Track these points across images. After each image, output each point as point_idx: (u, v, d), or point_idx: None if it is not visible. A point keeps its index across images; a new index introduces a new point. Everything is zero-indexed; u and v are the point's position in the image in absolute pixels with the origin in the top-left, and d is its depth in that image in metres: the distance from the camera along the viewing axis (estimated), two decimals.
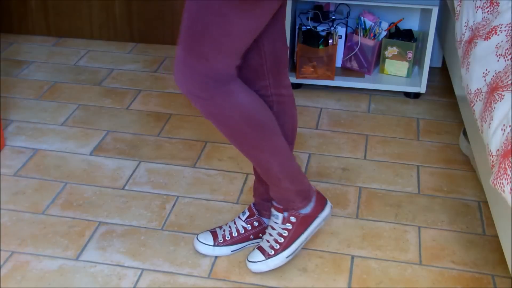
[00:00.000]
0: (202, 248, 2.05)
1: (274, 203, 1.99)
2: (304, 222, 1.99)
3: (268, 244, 1.98)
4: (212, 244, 2.04)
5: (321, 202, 2.02)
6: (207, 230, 2.09)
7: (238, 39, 1.67)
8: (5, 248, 2.07)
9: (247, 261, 2.00)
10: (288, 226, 1.98)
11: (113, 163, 2.51)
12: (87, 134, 2.69)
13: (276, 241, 1.98)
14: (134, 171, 2.46)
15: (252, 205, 2.08)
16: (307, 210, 1.99)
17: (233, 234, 2.05)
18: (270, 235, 1.99)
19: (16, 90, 3.02)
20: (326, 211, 2.03)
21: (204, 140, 2.67)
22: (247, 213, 2.07)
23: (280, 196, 1.96)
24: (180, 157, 2.55)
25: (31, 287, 1.93)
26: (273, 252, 1.97)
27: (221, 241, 2.04)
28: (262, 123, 1.81)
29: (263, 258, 1.97)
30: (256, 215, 2.07)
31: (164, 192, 2.35)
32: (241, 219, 2.07)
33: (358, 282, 1.97)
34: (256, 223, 2.07)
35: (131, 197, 2.33)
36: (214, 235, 2.06)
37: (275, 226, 1.99)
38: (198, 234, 2.08)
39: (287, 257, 1.98)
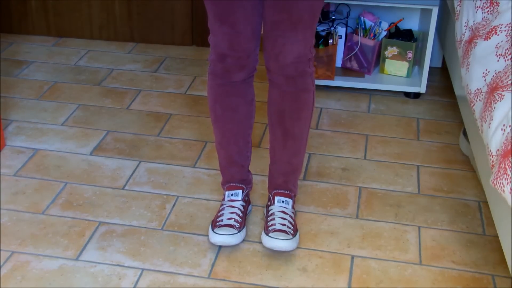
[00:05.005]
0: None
1: (281, 191, 2.13)
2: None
3: (285, 226, 2.06)
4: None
5: None
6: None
7: None
8: (5, 248, 2.07)
9: (273, 239, 2.01)
10: (293, 210, 2.13)
11: (113, 163, 2.51)
12: (87, 134, 2.69)
13: (291, 223, 2.08)
14: (134, 171, 2.46)
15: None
16: None
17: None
18: (284, 218, 2.08)
19: (16, 90, 3.02)
20: None
21: (204, 140, 2.67)
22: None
23: (294, 182, 2.15)
24: (180, 157, 2.56)
25: (31, 287, 1.93)
26: (292, 232, 2.06)
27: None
28: None
29: (290, 236, 2.04)
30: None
31: (164, 192, 2.35)
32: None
33: (358, 282, 1.97)
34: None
35: (131, 197, 2.33)
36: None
37: (286, 211, 2.10)
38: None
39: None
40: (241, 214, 2.11)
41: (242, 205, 2.14)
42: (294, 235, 2.05)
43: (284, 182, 2.13)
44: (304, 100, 2.00)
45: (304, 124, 2.04)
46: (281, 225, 2.06)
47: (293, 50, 1.90)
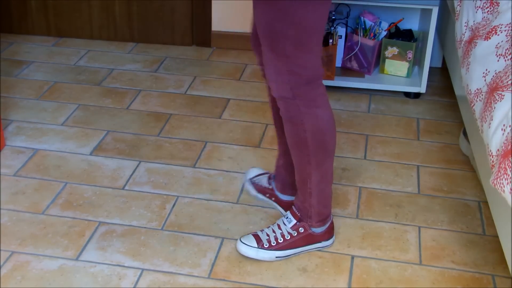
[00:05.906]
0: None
1: (293, 208, 2.06)
2: (307, 239, 2.05)
3: (267, 237, 2.03)
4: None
5: (330, 232, 2.09)
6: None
7: (317, 33, 1.76)
8: (5, 248, 2.07)
9: (239, 241, 2.03)
10: (294, 233, 2.04)
11: (113, 163, 2.51)
12: (87, 134, 2.69)
13: (276, 239, 2.03)
14: (134, 171, 2.46)
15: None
16: (317, 230, 2.06)
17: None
18: (274, 231, 2.05)
19: (16, 90, 3.02)
20: (329, 242, 2.10)
21: (204, 140, 2.67)
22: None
23: (302, 207, 2.04)
24: (180, 157, 2.55)
25: (31, 287, 1.93)
26: (267, 246, 2.02)
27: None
28: (326, 144, 1.91)
29: (256, 246, 2.01)
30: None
31: (164, 192, 2.35)
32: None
33: (358, 282, 1.97)
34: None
35: (131, 197, 2.33)
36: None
37: (282, 226, 2.05)
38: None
39: (276, 257, 2.03)
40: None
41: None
42: (267, 248, 2.01)
43: (297, 197, 2.06)
44: (291, 132, 1.91)
45: (300, 156, 1.94)
46: (263, 233, 2.04)
47: (267, 67, 1.83)
